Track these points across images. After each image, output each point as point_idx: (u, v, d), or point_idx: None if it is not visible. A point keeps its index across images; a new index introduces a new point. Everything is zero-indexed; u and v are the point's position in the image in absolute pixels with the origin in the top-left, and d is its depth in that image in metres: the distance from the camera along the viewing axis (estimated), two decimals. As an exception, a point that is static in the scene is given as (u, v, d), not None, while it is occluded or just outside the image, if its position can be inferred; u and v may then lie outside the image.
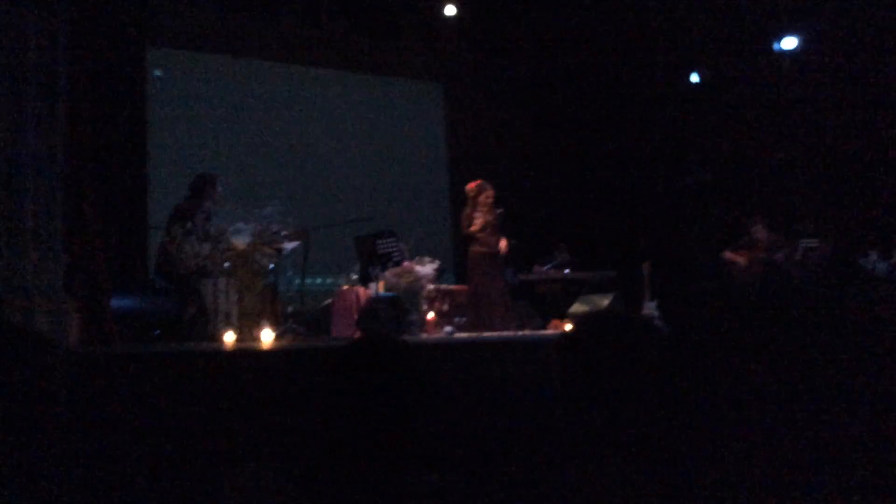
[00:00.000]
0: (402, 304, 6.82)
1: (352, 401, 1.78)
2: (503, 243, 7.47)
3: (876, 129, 8.51)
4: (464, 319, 7.77)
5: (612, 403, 1.82)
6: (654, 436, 1.79)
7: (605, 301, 7.69)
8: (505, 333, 7.01)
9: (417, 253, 7.56)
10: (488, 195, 7.53)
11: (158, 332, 5.99)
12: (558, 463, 1.78)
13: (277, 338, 5.84)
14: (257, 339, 5.64)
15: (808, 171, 9.05)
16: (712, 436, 1.93)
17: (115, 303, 5.73)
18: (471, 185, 7.64)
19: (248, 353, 4.43)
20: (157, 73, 8.83)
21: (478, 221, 7.44)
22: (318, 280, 8.83)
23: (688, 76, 9.78)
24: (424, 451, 1.81)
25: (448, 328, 7.05)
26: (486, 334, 6.97)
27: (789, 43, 8.97)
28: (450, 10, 9.55)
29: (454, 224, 8.04)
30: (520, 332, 7.37)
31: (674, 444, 1.79)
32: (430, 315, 7.11)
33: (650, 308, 8.68)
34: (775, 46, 8.98)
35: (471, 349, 4.70)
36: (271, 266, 6.01)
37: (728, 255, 8.62)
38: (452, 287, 8.35)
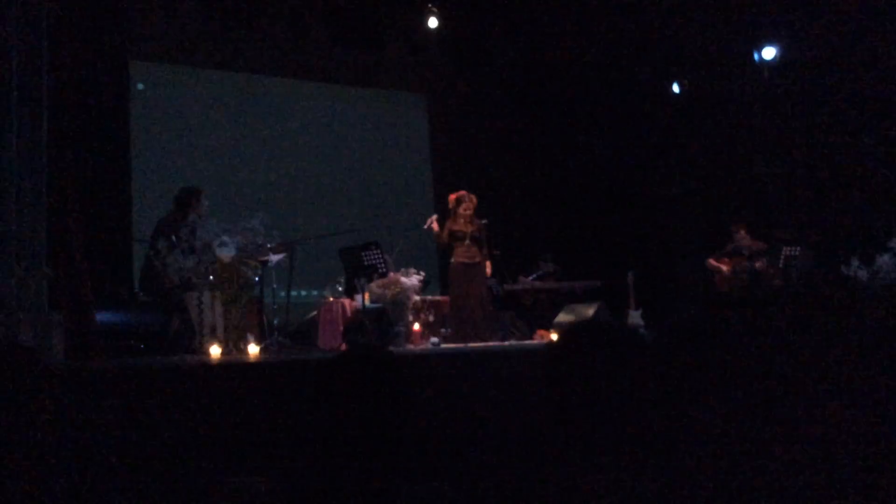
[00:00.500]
0: (388, 316, 6.84)
1: (339, 412, 1.79)
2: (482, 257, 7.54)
3: (856, 137, 8.63)
4: (449, 330, 7.80)
5: (598, 412, 1.84)
6: (639, 443, 1.81)
7: (590, 310, 7.73)
8: (490, 344, 7.04)
9: (402, 264, 7.58)
10: (466, 206, 7.57)
11: (143, 346, 5.97)
12: (546, 471, 1.80)
13: (263, 350, 5.83)
14: (243, 351, 5.63)
15: (790, 178, 9.15)
16: (698, 442, 1.95)
17: (100, 317, 5.71)
18: (451, 197, 7.73)
19: (233, 367, 4.43)
20: (140, 86, 8.81)
21: (445, 233, 7.55)
22: (304, 292, 8.83)
23: (669, 86, 9.87)
24: (414, 460, 1.83)
25: (434, 339, 7.08)
26: (472, 345, 6.99)
27: (769, 53, 9.08)
28: (433, 23, 9.59)
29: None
30: (506, 342, 7.39)
31: (660, 450, 1.81)
32: (416, 326, 7.12)
33: (635, 316, 8.74)
34: (755, 56, 9.09)
35: (457, 359, 4.71)
36: (256, 279, 6.01)
37: (711, 262, 8.70)
38: (438, 298, 8.37)
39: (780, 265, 8.04)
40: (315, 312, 7.39)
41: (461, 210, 7.58)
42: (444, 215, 7.81)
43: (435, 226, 7.66)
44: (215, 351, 5.38)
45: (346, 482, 1.74)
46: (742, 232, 8.56)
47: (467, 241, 7.54)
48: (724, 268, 8.61)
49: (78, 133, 6.17)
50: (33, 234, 4.87)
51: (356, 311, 6.87)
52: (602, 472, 1.75)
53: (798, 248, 7.99)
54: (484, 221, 7.63)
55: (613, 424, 1.82)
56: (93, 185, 6.85)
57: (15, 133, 4.90)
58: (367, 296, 6.81)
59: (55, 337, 4.77)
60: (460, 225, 7.57)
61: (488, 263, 7.72)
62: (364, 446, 1.78)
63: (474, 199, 7.67)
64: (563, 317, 7.71)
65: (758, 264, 8.37)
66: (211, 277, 5.69)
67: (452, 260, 7.61)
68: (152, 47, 8.87)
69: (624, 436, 1.81)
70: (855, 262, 7.18)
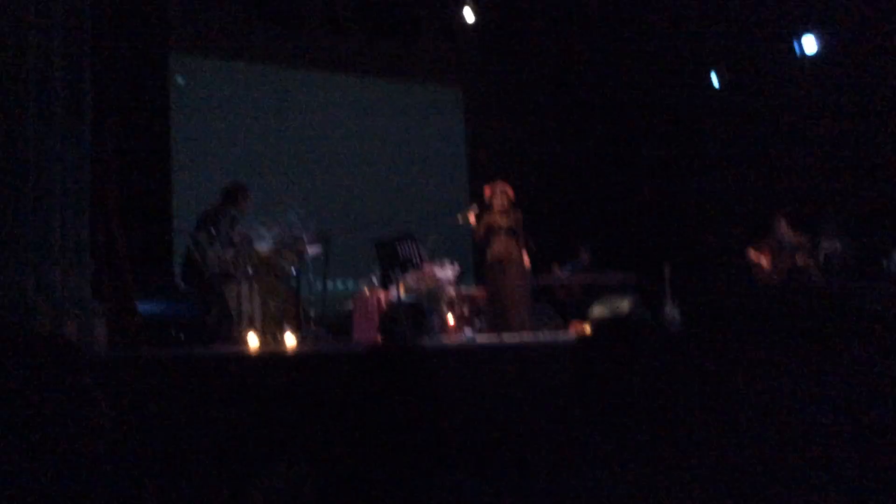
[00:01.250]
0: (422, 309, 6.88)
1: (370, 406, 1.83)
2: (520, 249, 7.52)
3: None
4: (484, 323, 7.81)
5: (626, 409, 1.86)
6: (666, 439, 1.83)
7: (625, 303, 7.67)
8: (525, 336, 7.05)
9: (437, 256, 7.61)
10: (500, 199, 7.51)
11: (183, 335, 6.10)
12: (577, 465, 1.82)
13: (300, 341, 5.93)
14: (280, 342, 5.73)
15: (830, 169, 9.01)
16: (727, 440, 1.96)
17: (142, 307, 5.85)
18: (486, 189, 7.68)
19: (271, 357, 4.52)
20: (180, 79, 8.95)
21: (481, 226, 7.50)
22: (340, 284, 8.93)
23: (709, 77, 9.76)
24: (443, 454, 1.86)
25: (468, 332, 7.10)
26: (506, 338, 7.01)
27: (809, 42, 8.93)
28: (469, 16, 9.58)
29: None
30: (540, 335, 7.40)
31: (686, 447, 1.83)
32: (451, 319, 7.15)
33: (671, 309, 8.67)
34: (796, 47, 8.95)
35: (489, 353, 4.75)
36: (294, 271, 6.10)
37: (752, 254, 8.57)
38: (473, 290, 8.39)
39: (820, 259, 7.93)
40: (351, 304, 7.47)
41: (496, 203, 7.55)
42: (483, 208, 7.82)
43: (472, 219, 7.62)
44: (253, 341, 5.49)
45: (376, 475, 1.78)
46: (783, 223, 8.41)
47: (503, 234, 7.49)
48: (764, 262, 8.50)
49: (119, 126, 6.29)
50: (76, 226, 5.00)
51: (391, 304, 6.92)
52: (628, 469, 1.77)
53: (838, 242, 7.87)
54: (517, 214, 7.59)
55: (639, 421, 1.84)
56: (134, 177, 6.99)
57: (59, 128, 5.03)
58: (402, 288, 6.87)
59: (98, 328, 4.90)
60: (496, 218, 7.53)
61: (525, 255, 7.67)
62: (393, 440, 1.81)
63: (509, 191, 7.62)
64: (597, 309, 7.68)
65: (798, 258, 8.24)
66: (249, 269, 5.80)
67: (489, 253, 7.59)
68: (192, 42, 9.00)
69: (650, 434, 1.83)
70: (895, 256, 7.06)
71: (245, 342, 5.54)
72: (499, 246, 7.50)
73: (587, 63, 10.63)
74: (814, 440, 2.04)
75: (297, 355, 4.61)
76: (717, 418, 2.01)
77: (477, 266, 9.57)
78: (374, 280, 7.41)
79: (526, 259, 7.69)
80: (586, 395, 1.94)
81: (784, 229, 8.39)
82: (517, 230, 7.55)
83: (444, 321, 7.09)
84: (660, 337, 2.05)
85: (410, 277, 7.11)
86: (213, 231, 5.88)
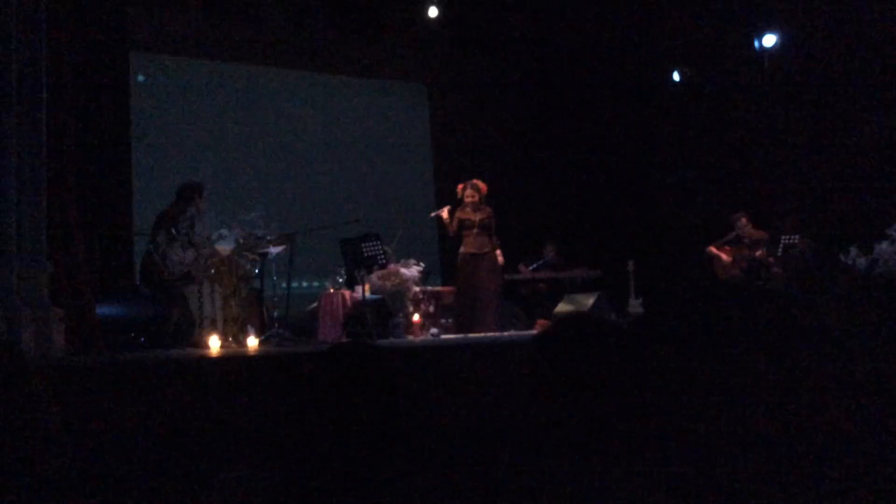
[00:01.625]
0: (387, 308, 6.90)
1: (329, 406, 1.83)
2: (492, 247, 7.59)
3: (856, 125, 8.63)
4: (450, 321, 7.85)
5: (585, 402, 1.88)
6: (628, 434, 1.85)
7: (589, 300, 7.78)
8: (489, 334, 7.09)
9: (403, 255, 7.64)
10: (470, 194, 7.63)
11: (144, 338, 6.03)
12: (542, 462, 1.84)
13: (263, 343, 5.89)
14: (242, 344, 5.69)
15: (790, 166, 9.16)
16: (686, 433, 1.99)
17: (101, 310, 5.78)
18: (459, 186, 7.79)
19: (233, 359, 4.49)
20: (140, 78, 8.84)
21: (454, 222, 7.61)
22: (305, 283, 8.89)
23: (670, 74, 9.87)
24: (409, 453, 1.86)
25: (434, 330, 7.14)
26: (472, 336, 7.04)
27: (769, 40, 9.07)
28: (433, 12, 9.59)
29: (440, 225, 8.11)
30: (505, 333, 7.45)
31: (649, 441, 1.85)
32: (416, 317, 7.18)
33: (635, 305, 8.79)
34: (756, 44, 9.08)
35: (452, 351, 4.76)
36: (256, 271, 6.06)
37: (712, 250, 8.73)
38: (438, 288, 8.43)
39: (779, 254, 8.08)
40: (315, 304, 7.45)
41: (466, 198, 7.64)
42: (444, 205, 7.88)
43: (445, 215, 7.71)
44: (215, 344, 5.44)
45: (338, 476, 1.78)
46: (743, 220, 8.60)
47: (475, 230, 7.60)
48: (724, 256, 8.65)
49: (78, 126, 6.21)
50: (34, 228, 4.93)
51: (356, 303, 6.93)
52: (588, 465, 1.79)
53: (797, 237, 8.02)
54: (488, 210, 7.69)
55: (598, 413, 1.86)
56: (93, 178, 6.89)
57: (14, 127, 4.95)
58: (367, 287, 6.87)
59: (55, 331, 4.83)
60: (468, 213, 7.63)
61: (499, 253, 7.76)
62: (354, 439, 1.82)
63: (482, 187, 7.71)
64: (562, 307, 7.76)
65: (758, 253, 8.40)
66: (211, 270, 5.76)
67: (461, 249, 7.68)
68: (152, 39, 8.88)
69: (608, 425, 1.85)
70: (854, 251, 7.21)
71: (206, 345, 5.49)
72: (471, 242, 7.59)
73: (551, 59, 10.69)
74: (771, 434, 2.08)
75: (259, 356, 4.59)
76: (679, 411, 2.03)
77: (444, 264, 9.60)
78: (340, 279, 7.39)
79: (499, 256, 7.77)
80: (546, 390, 1.96)
81: (744, 225, 8.57)
82: (489, 226, 7.64)
83: (410, 320, 7.11)
84: (619, 332, 2.08)
85: (376, 276, 7.12)
86: (174, 232, 5.82)
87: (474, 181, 7.76)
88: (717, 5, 9.30)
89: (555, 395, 1.93)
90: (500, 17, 10.33)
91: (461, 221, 7.64)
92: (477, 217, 7.62)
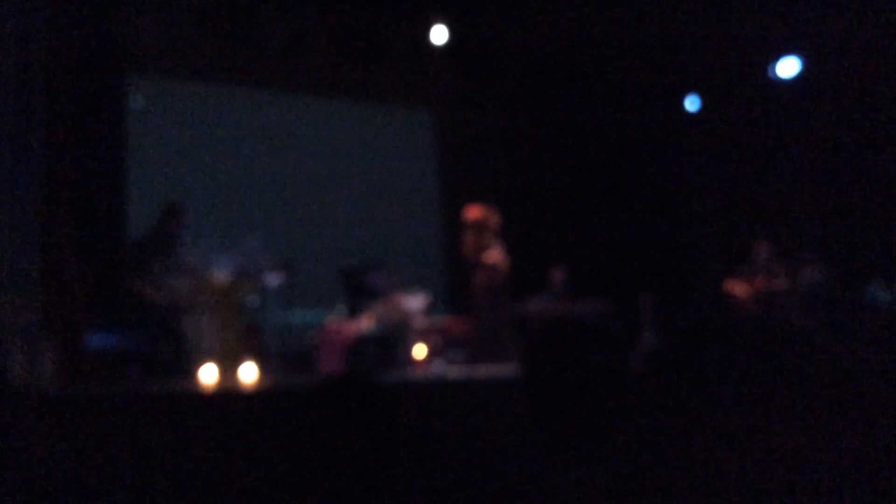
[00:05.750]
0: (389, 341, 6.91)
1: (324, 440, 1.88)
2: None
3: (879, 152, 8.69)
4: (459, 353, 7.80)
5: (575, 413, 1.91)
6: (614, 443, 1.88)
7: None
8: (498, 369, 7.06)
9: (407, 284, 7.65)
10: (497, 221, 7.43)
11: (136, 370, 6.08)
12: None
13: (260, 375, 5.92)
14: (239, 377, 5.71)
15: (811, 196, 9.21)
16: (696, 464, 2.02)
17: (94, 340, 5.83)
18: (477, 210, 7.43)
19: (229, 393, 4.53)
20: (137, 101, 8.96)
21: (494, 251, 7.31)
22: (304, 314, 8.93)
23: (686, 102, 9.95)
24: (404, 488, 1.90)
25: (440, 364, 7.12)
26: (480, 370, 7.02)
27: (788, 66, 9.16)
28: (437, 34, 9.68)
29: (445, 253, 8.11)
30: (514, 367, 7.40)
31: (655, 468, 1.88)
32: (421, 350, 7.17)
33: (650, 338, 8.75)
34: (773, 71, 9.17)
35: (453, 388, 4.79)
36: (254, 301, 6.12)
37: (729, 286, 8.71)
38: (444, 320, 8.40)
39: (799, 288, 8.08)
40: (316, 336, 7.49)
41: (493, 225, 7.45)
42: (450, 233, 7.84)
43: (472, 239, 7.45)
44: (210, 376, 5.47)
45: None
46: (763, 248, 8.57)
47: (500, 259, 7.53)
48: (742, 292, 8.63)
49: (72, 151, 6.28)
50: (25, 257, 5.00)
51: (358, 336, 6.95)
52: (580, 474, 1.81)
53: (818, 270, 8.03)
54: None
55: (589, 423, 1.89)
56: (87, 204, 6.97)
57: (8, 154, 5.03)
58: (369, 318, 6.90)
59: (46, 363, 4.88)
60: (496, 241, 7.52)
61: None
62: (348, 475, 1.85)
63: (497, 216, 7.59)
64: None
65: (777, 285, 8.39)
66: (206, 300, 5.81)
67: (481, 278, 7.55)
68: (149, 62, 9.01)
69: (599, 436, 1.88)
70: (876, 284, 7.22)
71: (201, 377, 5.52)
72: (492, 271, 7.47)
73: (563, 84, 10.77)
74: (781, 474, 2.11)
75: (257, 390, 4.62)
76: (689, 443, 2.06)
77: (450, 294, 9.60)
78: (341, 310, 7.43)
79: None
80: (532, 397, 1.97)
81: (763, 257, 8.56)
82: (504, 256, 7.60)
83: (411, 353, 7.11)
84: (603, 337, 2.10)
85: (379, 308, 7.15)
86: (167, 259, 5.89)
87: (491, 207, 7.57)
88: (734, 32, 9.40)
89: (543, 401, 1.95)
90: (506, 40, 10.44)
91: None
92: (501, 246, 7.53)
